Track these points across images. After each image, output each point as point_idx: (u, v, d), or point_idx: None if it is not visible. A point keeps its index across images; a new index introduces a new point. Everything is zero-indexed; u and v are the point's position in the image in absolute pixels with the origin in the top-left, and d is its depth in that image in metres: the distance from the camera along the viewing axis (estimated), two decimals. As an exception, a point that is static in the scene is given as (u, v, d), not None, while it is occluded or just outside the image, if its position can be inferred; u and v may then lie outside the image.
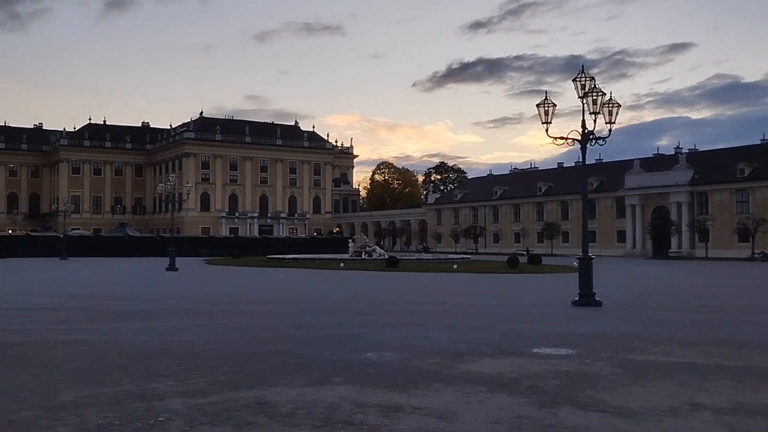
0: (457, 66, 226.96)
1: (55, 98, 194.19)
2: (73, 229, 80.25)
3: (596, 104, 15.97)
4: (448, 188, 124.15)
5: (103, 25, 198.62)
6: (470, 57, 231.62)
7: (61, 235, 62.15)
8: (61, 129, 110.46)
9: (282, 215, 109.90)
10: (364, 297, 20.82)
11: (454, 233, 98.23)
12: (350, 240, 60.17)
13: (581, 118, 16.31)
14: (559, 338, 11.22)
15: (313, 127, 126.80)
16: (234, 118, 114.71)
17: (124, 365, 8.58)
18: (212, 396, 6.91)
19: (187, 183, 79.82)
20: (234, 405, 6.54)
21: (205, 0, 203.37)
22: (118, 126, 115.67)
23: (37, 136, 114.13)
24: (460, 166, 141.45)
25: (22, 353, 9.46)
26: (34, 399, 6.69)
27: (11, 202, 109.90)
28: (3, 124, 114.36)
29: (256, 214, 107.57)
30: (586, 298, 16.65)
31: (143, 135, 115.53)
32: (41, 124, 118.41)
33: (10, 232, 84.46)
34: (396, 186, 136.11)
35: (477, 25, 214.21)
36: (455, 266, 41.42)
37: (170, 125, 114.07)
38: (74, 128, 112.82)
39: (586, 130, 16.36)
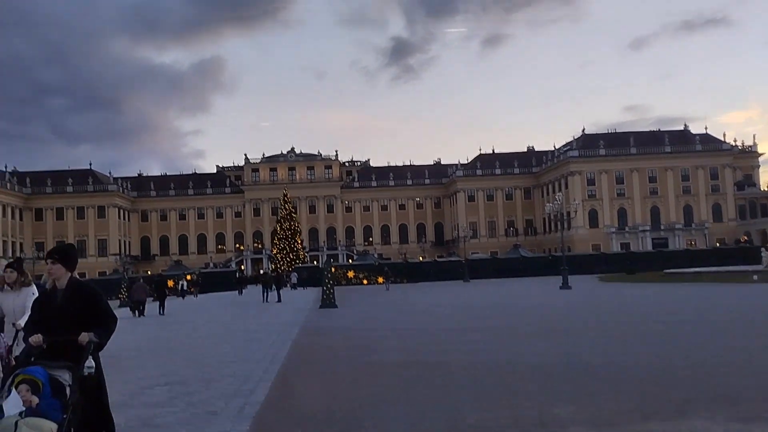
0: None
1: (449, 135, 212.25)
2: (472, 253, 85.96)
3: None
4: None
5: (483, 62, 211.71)
6: None
7: (463, 260, 66.99)
8: (456, 162, 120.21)
9: (677, 226, 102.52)
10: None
11: None
12: (763, 249, 53.35)
13: None
14: None
15: (706, 128, 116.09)
16: (617, 131, 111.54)
17: (524, 388, 8.48)
18: (619, 427, 6.33)
19: (574, 200, 79.63)
20: (645, 438, 5.88)
21: (576, 19, 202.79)
22: (505, 153, 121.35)
23: (436, 170, 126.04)
24: None
25: (433, 373, 10.03)
26: (442, 418, 6.93)
27: (420, 232, 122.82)
28: (409, 164, 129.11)
29: (647, 227, 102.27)
30: None
31: (529, 159, 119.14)
32: (439, 159, 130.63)
33: (420, 259, 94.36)
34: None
35: None
36: None
37: (554, 146, 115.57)
38: (467, 160, 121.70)
39: None
